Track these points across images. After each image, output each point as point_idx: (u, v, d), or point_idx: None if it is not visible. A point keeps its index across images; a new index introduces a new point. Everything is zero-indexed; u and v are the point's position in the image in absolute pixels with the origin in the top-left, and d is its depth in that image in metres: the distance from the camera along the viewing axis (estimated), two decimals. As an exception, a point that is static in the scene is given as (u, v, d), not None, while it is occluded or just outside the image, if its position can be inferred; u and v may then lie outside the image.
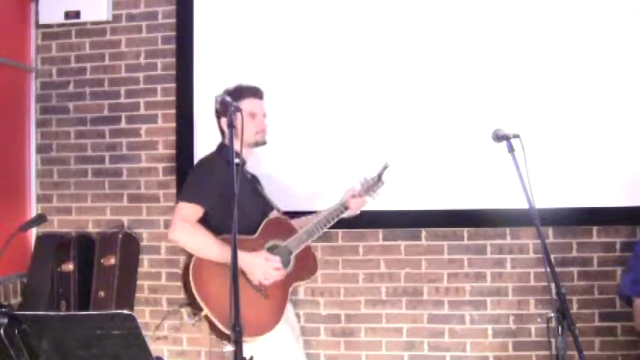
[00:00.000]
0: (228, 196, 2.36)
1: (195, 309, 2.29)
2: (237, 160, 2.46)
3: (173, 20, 3.48)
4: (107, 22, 3.55)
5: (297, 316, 3.36)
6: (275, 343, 2.38)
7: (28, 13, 3.60)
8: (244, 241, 2.40)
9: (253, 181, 2.67)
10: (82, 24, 3.57)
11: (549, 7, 3.14)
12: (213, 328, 2.28)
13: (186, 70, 3.41)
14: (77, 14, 3.51)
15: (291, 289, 2.51)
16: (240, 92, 2.57)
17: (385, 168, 2.73)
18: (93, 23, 3.56)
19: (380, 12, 3.26)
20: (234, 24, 3.37)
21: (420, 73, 3.22)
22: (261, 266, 2.38)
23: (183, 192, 2.46)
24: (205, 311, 2.25)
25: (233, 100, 2.45)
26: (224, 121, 2.53)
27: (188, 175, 2.57)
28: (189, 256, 2.34)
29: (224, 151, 2.58)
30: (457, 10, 3.21)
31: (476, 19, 3.19)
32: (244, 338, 2.22)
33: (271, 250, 2.46)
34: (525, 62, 3.14)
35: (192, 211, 2.39)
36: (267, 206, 2.63)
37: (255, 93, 2.61)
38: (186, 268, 2.32)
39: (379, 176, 2.75)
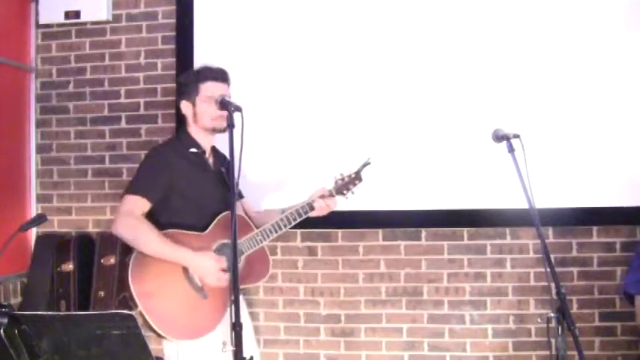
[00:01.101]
0: (178, 189, 2.32)
1: (134, 303, 2.23)
2: (194, 150, 2.43)
3: (173, 20, 3.48)
4: (107, 22, 3.54)
5: (297, 315, 3.37)
6: (208, 349, 2.21)
7: (28, 13, 3.60)
8: (191, 238, 2.29)
9: (219, 170, 2.47)
10: (82, 24, 3.57)
11: (549, 7, 3.14)
12: (146, 324, 2.20)
13: (186, 69, 3.40)
14: (77, 14, 3.50)
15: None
16: (203, 75, 2.42)
17: (365, 165, 2.51)
18: (93, 23, 3.56)
19: (380, 11, 3.26)
20: (234, 24, 3.37)
21: (420, 72, 3.22)
22: (207, 266, 2.25)
23: (130, 184, 2.36)
24: (140, 308, 2.19)
25: (194, 82, 2.40)
26: (185, 104, 2.42)
27: (140, 163, 2.47)
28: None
29: (182, 139, 2.47)
30: (457, 9, 3.20)
31: (476, 18, 3.19)
32: (170, 338, 2.22)
33: (220, 249, 2.31)
34: (525, 62, 3.14)
35: (136, 204, 2.27)
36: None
37: (217, 76, 2.41)
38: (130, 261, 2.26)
39: (357, 173, 2.52)
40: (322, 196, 2.48)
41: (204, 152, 2.44)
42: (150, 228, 2.24)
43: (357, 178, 2.52)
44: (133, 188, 2.32)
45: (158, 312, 2.21)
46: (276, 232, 2.40)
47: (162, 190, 2.31)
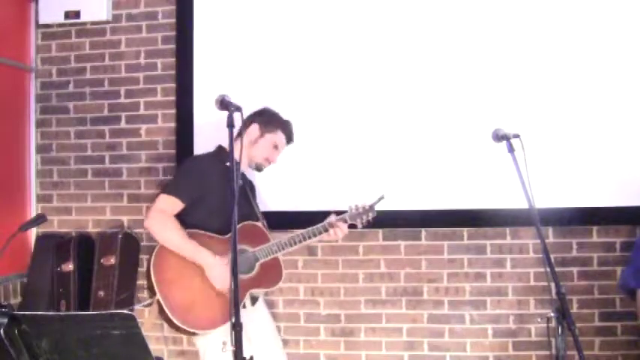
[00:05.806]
0: (207, 198, 2.55)
1: (151, 293, 2.42)
2: (228, 164, 2.54)
3: (173, 20, 3.48)
4: (107, 22, 3.54)
5: (297, 315, 3.37)
6: (218, 342, 2.31)
7: (28, 13, 3.60)
8: (212, 240, 2.51)
9: (244, 187, 2.73)
10: (82, 24, 3.56)
11: (549, 7, 3.14)
12: (162, 312, 2.41)
13: (186, 70, 3.40)
14: (77, 14, 3.50)
15: (248, 294, 2.57)
16: (279, 123, 2.76)
17: (380, 199, 2.70)
18: (93, 23, 3.56)
19: (380, 11, 3.26)
20: (234, 24, 3.37)
21: (420, 72, 3.22)
22: (218, 270, 2.44)
23: (166, 185, 2.63)
24: (158, 296, 2.38)
25: (267, 123, 2.70)
26: (255, 127, 2.69)
27: (177, 168, 2.66)
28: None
29: (218, 154, 2.71)
30: (457, 9, 3.20)
31: (476, 18, 3.19)
32: (182, 325, 2.39)
33: (238, 253, 2.45)
34: (525, 62, 3.14)
35: (170, 204, 2.51)
36: (252, 214, 2.71)
37: (291, 138, 2.79)
38: (151, 253, 2.49)
39: (371, 207, 2.71)
40: (336, 222, 2.65)
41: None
42: (177, 226, 2.48)
43: (370, 210, 2.72)
44: (169, 189, 2.57)
45: (174, 300, 2.40)
46: (291, 246, 2.60)
47: (193, 196, 2.54)
